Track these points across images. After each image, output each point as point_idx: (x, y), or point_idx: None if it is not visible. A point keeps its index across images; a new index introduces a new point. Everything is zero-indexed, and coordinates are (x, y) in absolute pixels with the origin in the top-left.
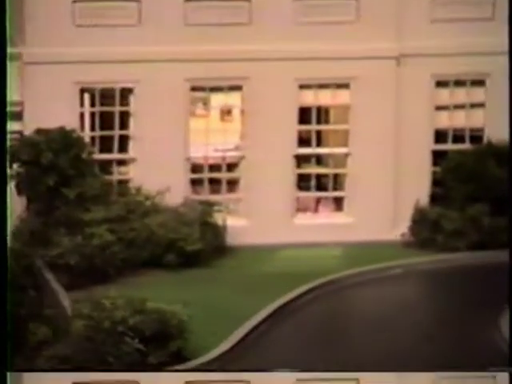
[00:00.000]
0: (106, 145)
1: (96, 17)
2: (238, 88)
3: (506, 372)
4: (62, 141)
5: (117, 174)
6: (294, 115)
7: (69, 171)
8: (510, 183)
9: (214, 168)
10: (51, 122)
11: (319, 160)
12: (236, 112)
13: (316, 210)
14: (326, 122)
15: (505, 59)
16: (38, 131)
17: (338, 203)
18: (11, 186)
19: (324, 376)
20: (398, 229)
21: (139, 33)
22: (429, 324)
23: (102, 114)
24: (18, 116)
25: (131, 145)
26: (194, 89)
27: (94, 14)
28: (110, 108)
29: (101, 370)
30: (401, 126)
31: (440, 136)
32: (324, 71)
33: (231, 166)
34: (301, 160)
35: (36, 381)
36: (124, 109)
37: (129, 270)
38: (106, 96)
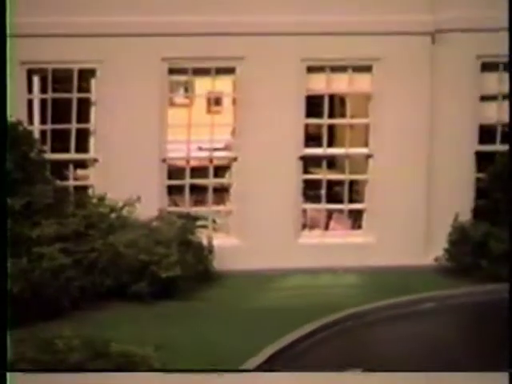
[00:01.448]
0: (60, 142)
1: None
2: (229, 71)
3: (506, 372)
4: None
5: (74, 178)
6: (301, 106)
7: (13, 175)
8: (510, 184)
9: (198, 172)
10: None
11: (332, 163)
12: (226, 101)
13: (327, 227)
14: (341, 114)
15: None
16: None
17: (356, 218)
18: None
19: (324, 376)
20: (431, 251)
21: None
22: (467, 368)
23: (55, 102)
24: None
25: (92, 142)
26: (173, 71)
27: None
28: (65, 95)
29: (101, 370)
30: (436, 120)
31: (486, 134)
32: (339, 50)
33: (220, 170)
34: (309, 163)
35: (36, 381)
36: (83, 96)
37: (88, 301)
38: (61, 79)
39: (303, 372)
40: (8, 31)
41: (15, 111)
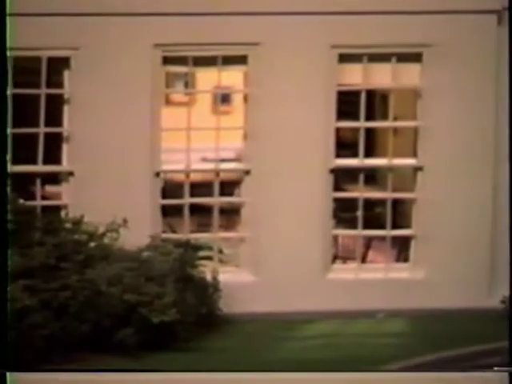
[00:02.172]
0: (24, 150)
1: None
2: (240, 60)
3: (506, 372)
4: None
5: (42, 197)
6: (331, 105)
7: None
8: (510, 184)
9: (201, 189)
10: None
11: (371, 178)
12: (236, 99)
13: (364, 259)
14: (383, 116)
15: None
16: None
17: (401, 248)
18: None
19: (324, 377)
20: (496, 290)
21: None
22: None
23: (17, 99)
24: None
25: (66, 151)
26: (168, 60)
27: None
28: (31, 90)
29: (102, 370)
30: (503, 122)
31: None
32: (379, 33)
33: (228, 186)
34: (341, 177)
35: (36, 381)
36: (54, 92)
37: (59, 354)
38: (25, 71)
39: (303, 372)
40: None
41: None
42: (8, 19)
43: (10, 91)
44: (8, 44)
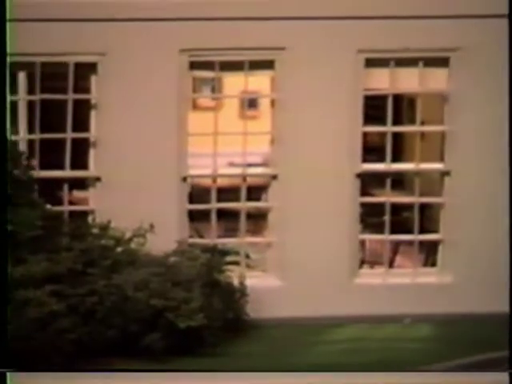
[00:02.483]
0: (51, 155)
1: None
2: (266, 65)
3: (506, 372)
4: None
5: (69, 202)
6: (358, 109)
7: None
8: (510, 186)
9: (228, 194)
10: None
11: (398, 182)
12: (263, 103)
13: (392, 264)
14: (410, 120)
15: None
16: None
17: (428, 252)
18: None
19: (323, 377)
20: None
21: None
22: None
23: (45, 104)
24: None
25: (93, 156)
26: (195, 65)
27: None
28: (58, 96)
29: (102, 370)
30: None
31: None
32: (406, 38)
33: (255, 191)
34: (368, 182)
35: (36, 381)
36: (81, 97)
37: (86, 358)
38: (53, 76)
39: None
40: None
41: None
42: (36, 25)
43: (37, 97)
44: (37, 49)
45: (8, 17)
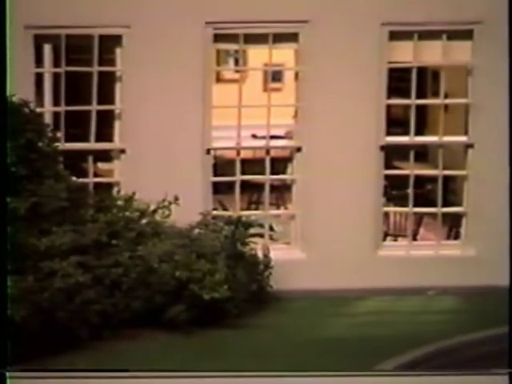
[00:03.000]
0: (77, 128)
1: None
2: (290, 38)
3: (506, 372)
4: (7, 120)
5: (94, 174)
6: (382, 82)
7: (17, 170)
8: (510, 185)
9: (252, 166)
10: None
11: (421, 155)
12: (287, 76)
13: (415, 236)
14: (434, 93)
15: None
16: None
17: (452, 225)
18: None
19: (323, 378)
20: None
21: None
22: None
23: (70, 77)
24: None
25: (118, 128)
26: (219, 38)
27: None
28: (83, 68)
29: (102, 370)
30: None
31: None
32: (429, 11)
33: (279, 164)
34: (392, 154)
35: (36, 381)
36: (106, 69)
37: (111, 329)
38: (77, 49)
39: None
40: None
41: (19, 89)
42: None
43: (63, 69)
44: (62, 21)
45: None
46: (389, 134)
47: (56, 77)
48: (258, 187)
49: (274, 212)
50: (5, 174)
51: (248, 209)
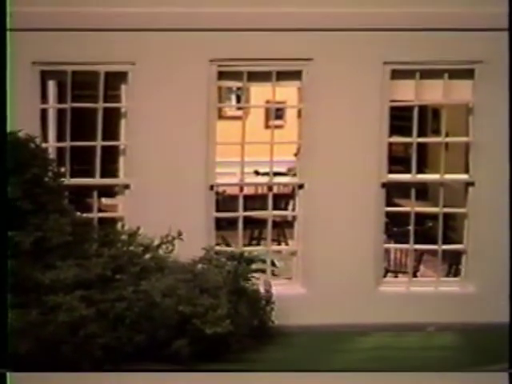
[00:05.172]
0: (82, 163)
1: None
2: (293, 75)
3: (506, 372)
4: (13, 155)
5: (99, 209)
6: (384, 120)
7: (22, 204)
8: (509, 223)
9: (254, 202)
10: None
11: (422, 193)
12: (290, 113)
13: (416, 273)
14: (435, 131)
15: None
16: None
17: (452, 262)
18: None
19: (322, 377)
20: None
21: None
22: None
23: (75, 113)
24: None
25: (122, 164)
26: (223, 75)
27: None
28: (88, 104)
29: (103, 370)
30: None
31: None
32: (431, 50)
33: (281, 200)
34: (393, 192)
35: (36, 381)
36: (111, 106)
37: (114, 363)
38: (83, 85)
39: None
40: (13, 23)
41: (25, 124)
42: (66, 34)
43: (69, 105)
44: (68, 58)
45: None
46: (390, 171)
47: (61, 112)
48: (260, 223)
49: (276, 248)
50: (6, 208)
51: (250, 244)
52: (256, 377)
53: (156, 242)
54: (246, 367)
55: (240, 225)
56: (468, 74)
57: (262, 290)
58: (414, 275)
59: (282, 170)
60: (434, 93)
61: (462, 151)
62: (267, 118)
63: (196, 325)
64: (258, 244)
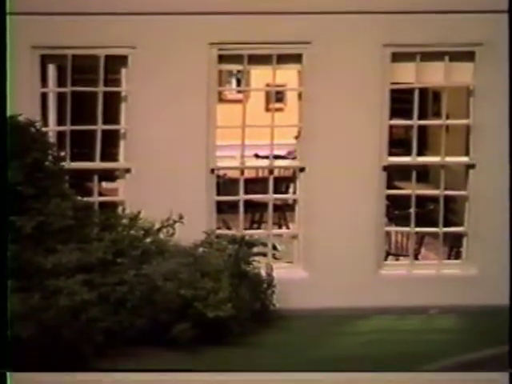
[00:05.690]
0: (82, 147)
1: None
2: (294, 58)
3: (506, 372)
4: (13, 139)
5: (99, 193)
6: (384, 103)
7: (23, 189)
8: (510, 185)
9: (255, 186)
10: None
11: (423, 175)
12: (290, 96)
13: (417, 255)
14: (435, 114)
15: None
16: None
17: (453, 245)
18: None
19: (322, 377)
20: None
21: None
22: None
23: (75, 97)
24: None
25: (123, 148)
26: (223, 59)
27: None
28: (89, 88)
29: (103, 370)
30: None
31: None
32: (432, 32)
33: (282, 183)
34: (394, 175)
35: (36, 381)
36: (111, 89)
37: (116, 347)
38: (83, 69)
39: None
40: (13, 7)
41: (25, 108)
42: (66, 18)
43: (68, 89)
44: (68, 42)
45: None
46: (390, 154)
47: (61, 96)
48: (261, 206)
49: (277, 231)
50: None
51: (251, 228)
52: (256, 377)
53: (157, 226)
54: (247, 350)
55: (241, 208)
56: (468, 56)
57: (263, 273)
58: (416, 258)
59: (283, 153)
60: (434, 75)
61: (463, 134)
62: (268, 101)
63: (198, 308)
64: (259, 227)
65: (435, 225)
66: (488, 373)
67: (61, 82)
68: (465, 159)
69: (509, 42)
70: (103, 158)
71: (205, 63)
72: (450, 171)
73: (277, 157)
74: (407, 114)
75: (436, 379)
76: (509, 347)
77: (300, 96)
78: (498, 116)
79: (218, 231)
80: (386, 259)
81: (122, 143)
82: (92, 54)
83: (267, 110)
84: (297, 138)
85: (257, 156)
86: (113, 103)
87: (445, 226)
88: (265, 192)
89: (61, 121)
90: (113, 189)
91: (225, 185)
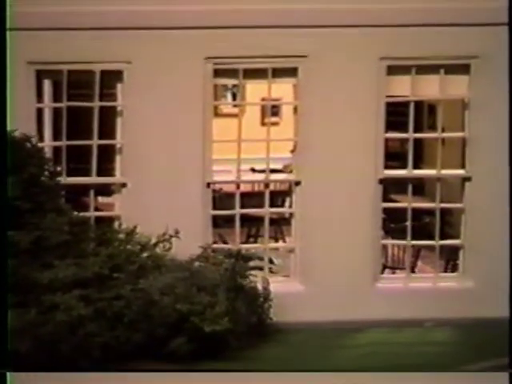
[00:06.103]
0: (78, 162)
1: None
2: (289, 72)
3: (506, 372)
4: (10, 155)
5: (96, 208)
6: (380, 116)
7: (20, 204)
8: (510, 185)
9: (251, 200)
10: None
11: (419, 188)
12: (286, 110)
13: (413, 269)
14: (431, 127)
15: None
16: None
17: (449, 258)
18: None
19: (322, 376)
20: None
21: None
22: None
23: (71, 112)
24: None
25: (119, 162)
26: (219, 73)
27: None
28: (84, 103)
29: (103, 370)
30: None
31: None
32: (427, 45)
33: (278, 197)
34: (390, 188)
35: (36, 381)
36: (107, 104)
37: (112, 362)
38: (79, 84)
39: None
40: (9, 23)
41: (21, 123)
42: (62, 34)
43: (64, 104)
44: (64, 57)
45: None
46: (386, 167)
47: (57, 112)
48: (258, 220)
49: (273, 245)
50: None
51: (247, 242)
52: (256, 376)
53: (153, 241)
54: (244, 364)
55: (237, 222)
56: (464, 69)
57: (259, 287)
58: (412, 271)
59: (279, 167)
60: (430, 88)
61: (459, 146)
62: (263, 115)
63: (194, 323)
64: (255, 241)
65: (431, 238)
66: (488, 373)
67: (56, 97)
68: (461, 172)
69: (509, 54)
70: (99, 173)
71: (200, 77)
72: (446, 184)
73: (274, 170)
74: (403, 127)
75: (436, 379)
76: (509, 347)
77: (295, 110)
78: (494, 129)
79: (215, 245)
80: (382, 272)
81: (117, 158)
82: (87, 69)
83: (263, 124)
84: (292, 151)
85: (253, 170)
86: (108, 118)
87: (441, 238)
88: (261, 206)
89: (57, 136)
90: (109, 204)
91: (221, 199)
